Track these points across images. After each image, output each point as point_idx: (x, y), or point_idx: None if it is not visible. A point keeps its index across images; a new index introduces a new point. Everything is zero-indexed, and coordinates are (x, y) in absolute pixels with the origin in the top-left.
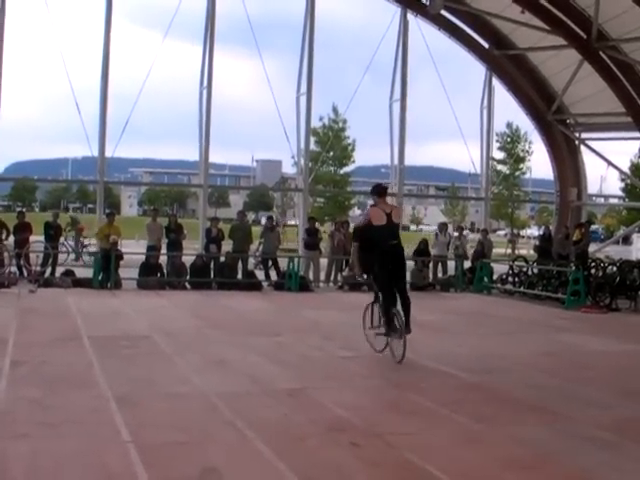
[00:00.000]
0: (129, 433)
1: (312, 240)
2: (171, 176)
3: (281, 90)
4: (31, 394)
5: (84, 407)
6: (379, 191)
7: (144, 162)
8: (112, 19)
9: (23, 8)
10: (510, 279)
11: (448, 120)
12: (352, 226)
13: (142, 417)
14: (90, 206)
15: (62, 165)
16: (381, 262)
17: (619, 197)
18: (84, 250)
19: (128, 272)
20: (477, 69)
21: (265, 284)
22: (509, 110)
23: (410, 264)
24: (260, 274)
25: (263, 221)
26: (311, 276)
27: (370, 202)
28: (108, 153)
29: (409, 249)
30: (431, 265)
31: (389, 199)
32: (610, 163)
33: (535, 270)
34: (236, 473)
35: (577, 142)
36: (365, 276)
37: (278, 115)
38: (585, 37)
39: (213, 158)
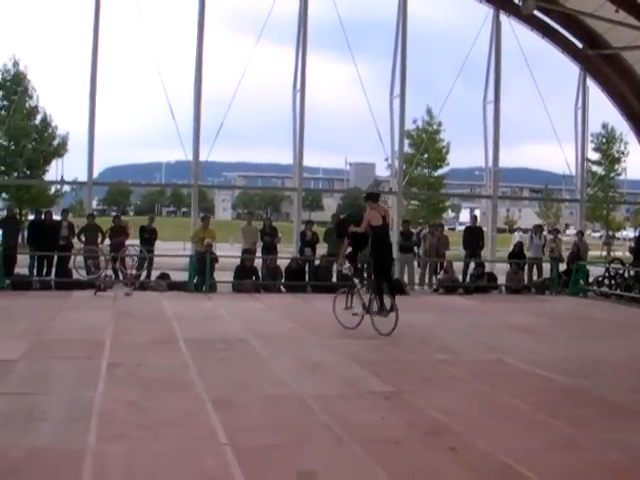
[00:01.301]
0: (226, 435)
1: (406, 243)
2: (265, 179)
3: (374, 93)
4: (128, 396)
5: (181, 409)
6: (374, 197)
7: (238, 166)
8: (205, 24)
9: (117, 15)
10: (606, 282)
11: (542, 121)
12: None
13: (238, 419)
14: (184, 210)
15: (156, 169)
16: (376, 254)
17: None
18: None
19: (223, 275)
20: (571, 69)
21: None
22: (604, 111)
23: (505, 267)
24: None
25: None
26: (406, 279)
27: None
28: (202, 157)
29: (501, 252)
30: (526, 268)
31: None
32: None
33: (632, 272)
34: (332, 476)
35: None
36: (352, 269)
37: (372, 118)
38: None
39: (307, 161)
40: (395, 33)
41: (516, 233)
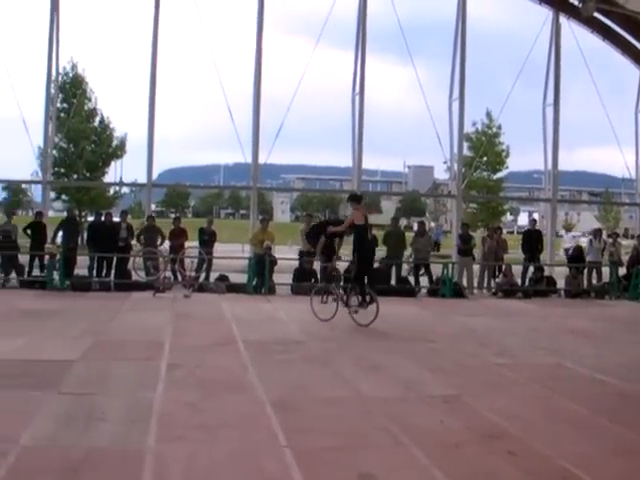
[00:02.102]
0: (285, 437)
1: (465, 246)
2: (323, 182)
3: (433, 95)
4: (187, 397)
5: (240, 411)
6: (357, 198)
7: (296, 168)
8: (263, 26)
9: (176, 18)
10: None
11: (601, 124)
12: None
13: (298, 421)
14: (242, 212)
15: (214, 171)
16: (359, 250)
17: None
18: None
19: (282, 278)
20: (631, 71)
21: (423, 290)
22: None
23: (564, 271)
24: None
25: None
26: (464, 282)
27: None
28: (261, 159)
29: (559, 256)
30: (585, 272)
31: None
32: None
33: None
34: (391, 479)
35: None
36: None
37: (431, 121)
38: None
39: (365, 164)
40: (454, 35)
41: (566, 236)
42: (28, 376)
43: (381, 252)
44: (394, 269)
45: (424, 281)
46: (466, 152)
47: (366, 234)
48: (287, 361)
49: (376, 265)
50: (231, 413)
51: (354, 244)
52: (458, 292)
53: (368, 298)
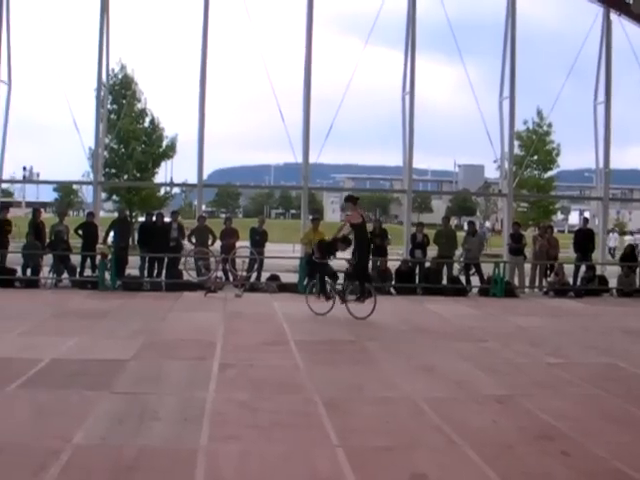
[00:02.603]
0: (337, 437)
1: (516, 245)
2: (373, 181)
3: (483, 94)
4: (240, 397)
5: (292, 410)
6: (353, 200)
7: (346, 168)
8: (313, 27)
9: (225, 18)
10: None
11: None
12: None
13: (350, 421)
14: (293, 212)
15: (265, 172)
16: (359, 247)
17: None
18: None
19: None
20: None
21: (475, 290)
22: None
23: (616, 270)
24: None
25: (465, 227)
26: (516, 282)
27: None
28: (311, 159)
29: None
30: (638, 271)
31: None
32: None
33: None
34: (444, 479)
35: None
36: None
37: (481, 119)
38: None
39: (415, 163)
40: (504, 34)
41: (610, 234)
42: (81, 376)
43: (432, 252)
44: (445, 268)
45: (475, 280)
46: (517, 151)
47: (364, 232)
48: (339, 361)
49: (427, 264)
50: (283, 413)
51: (354, 241)
52: (509, 291)
53: (366, 293)
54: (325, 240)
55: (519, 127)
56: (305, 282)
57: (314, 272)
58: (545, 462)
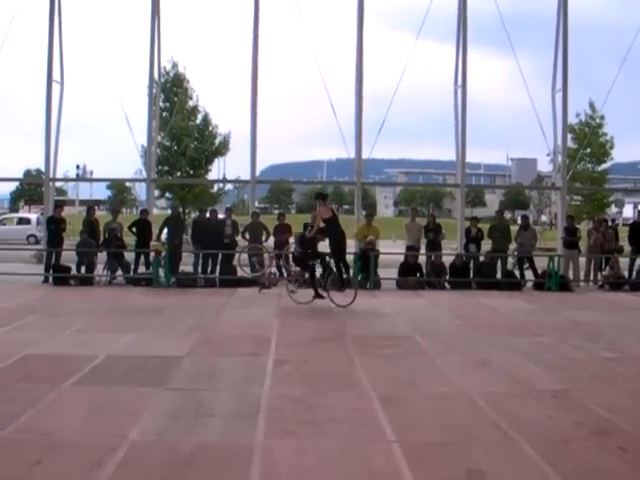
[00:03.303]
0: (393, 433)
1: (571, 239)
2: (426, 176)
3: (535, 87)
4: (294, 392)
5: (347, 406)
6: (323, 197)
7: (399, 162)
8: (364, 21)
9: (276, 15)
10: None
11: None
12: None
13: (406, 417)
14: (345, 207)
15: (317, 167)
16: (333, 239)
17: None
18: None
19: (387, 272)
20: None
21: (529, 284)
22: None
23: None
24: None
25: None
26: (571, 275)
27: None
28: (364, 154)
29: None
30: None
31: None
32: None
33: None
34: (501, 475)
35: None
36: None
37: (534, 112)
38: None
39: (468, 157)
40: (556, 25)
41: None
42: (136, 372)
43: (487, 246)
44: (500, 263)
45: (529, 275)
46: (570, 144)
47: (337, 225)
48: (394, 356)
49: (481, 259)
50: (339, 408)
51: (328, 234)
52: (564, 285)
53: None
54: (306, 236)
55: (572, 120)
56: (359, 277)
57: (304, 265)
58: (602, 458)
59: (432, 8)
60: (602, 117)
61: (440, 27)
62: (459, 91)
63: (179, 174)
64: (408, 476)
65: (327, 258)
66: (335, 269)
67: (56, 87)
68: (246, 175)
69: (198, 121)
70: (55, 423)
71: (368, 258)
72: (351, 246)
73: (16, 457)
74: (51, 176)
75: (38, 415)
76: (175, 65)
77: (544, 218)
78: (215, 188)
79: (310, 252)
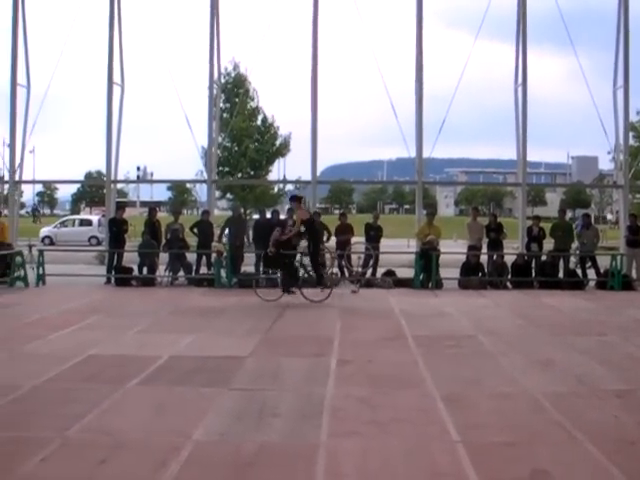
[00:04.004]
0: (457, 433)
1: (634, 237)
2: (486, 175)
3: (596, 84)
4: (358, 392)
5: (411, 406)
6: (298, 199)
7: (459, 162)
8: (423, 21)
9: (335, 15)
10: None
11: None
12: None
13: (470, 417)
14: (406, 207)
15: (377, 167)
16: (313, 239)
17: None
18: None
19: (448, 272)
20: None
21: (592, 283)
22: None
23: None
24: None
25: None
26: (634, 274)
27: None
28: (425, 154)
29: None
30: None
31: None
32: None
33: None
34: (566, 475)
35: None
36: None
37: (594, 110)
38: None
39: (529, 156)
40: (616, 21)
41: None
42: (199, 373)
43: (548, 245)
44: (562, 262)
45: (592, 273)
46: (631, 141)
47: (313, 226)
48: (457, 355)
49: (543, 258)
50: (402, 408)
51: (307, 234)
52: (627, 284)
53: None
54: (282, 239)
55: (633, 117)
56: (421, 277)
57: (272, 265)
58: None
59: (491, 6)
60: None
61: (499, 26)
62: (519, 89)
63: (240, 175)
64: (473, 476)
65: (301, 257)
66: (312, 268)
67: (116, 89)
68: (306, 175)
69: (259, 122)
70: (119, 423)
71: (429, 258)
72: (412, 246)
73: (81, 456)
74: (112, 178)
75: (102, 415)
76: (236, 66)
77: (609, 216)
78: (276, 189)
79: (284, 253)
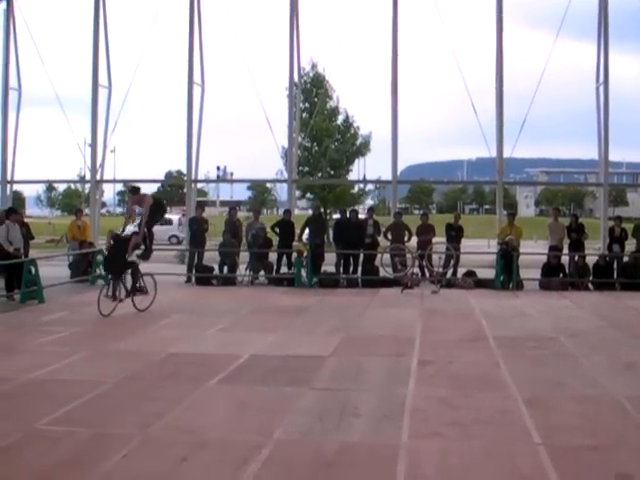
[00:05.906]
0: (539, 435)
1: None
2: (567, 175)
3: None
4: (439, 393)
5: (493, 408)
6: (134, 190)
7: (539, 162)
8: (503, 20)
9: (415, 14)
10: None
11: None
12: None
13: (552, 419)
14: (486, 207)
15: (457, 167)
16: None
17: None
18: None
19: (529, 273)
20: None
21: None
22: None
23: None
24: None
25: None
26: None
27: None
28: (505, 154)
29: None
30: None
31: None
32: None
33: None
34: None
35: None
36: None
37: None
38: None
39: (610, 156)
40: None
41: None
42: (280, 372)
43: (630, 246)
44: None
45: None
46: None
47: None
48: (539, 357)
49: (626, 259)
50: (484, 410)
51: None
52: None
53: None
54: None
55: None
56: (501, 277)
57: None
58: None
59: (571, 5)
60: None
61: (580, 24)
62: (600, 88)
63: (320, 175)
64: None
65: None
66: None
67: (197, 89)
68: (386, 175)
69: (339, 122)
70: (200, 421)
71: (510, 258)
72: (493, 246)
73: (162, 454)
74: (193, 177)
75: (183, 413)
76: (315, 66)
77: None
78: (356, 188)
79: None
